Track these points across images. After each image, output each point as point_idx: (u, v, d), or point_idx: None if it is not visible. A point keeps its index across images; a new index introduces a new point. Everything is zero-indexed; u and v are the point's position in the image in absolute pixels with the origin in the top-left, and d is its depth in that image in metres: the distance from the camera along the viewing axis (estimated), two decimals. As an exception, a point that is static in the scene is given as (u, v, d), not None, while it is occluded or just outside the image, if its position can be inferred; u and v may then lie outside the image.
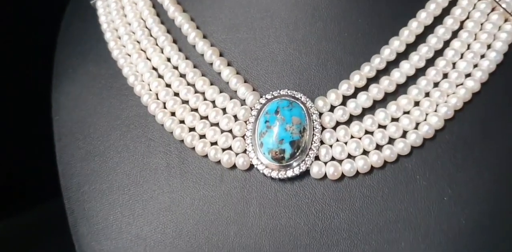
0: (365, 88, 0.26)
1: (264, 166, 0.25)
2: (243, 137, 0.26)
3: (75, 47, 0.32)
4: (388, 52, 0.26)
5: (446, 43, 0.27)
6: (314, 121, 0.26)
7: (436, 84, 0.26)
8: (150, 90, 0.28)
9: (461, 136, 0.26)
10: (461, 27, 0.27)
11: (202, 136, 0.27)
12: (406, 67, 0.26)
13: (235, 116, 0.27)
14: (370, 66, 0.26)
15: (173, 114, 0.28)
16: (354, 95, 0.26)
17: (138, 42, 0.29)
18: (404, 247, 0.24)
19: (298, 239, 0.26)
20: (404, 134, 0.26)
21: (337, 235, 0.25)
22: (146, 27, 0.29)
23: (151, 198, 0.27)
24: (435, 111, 0.26)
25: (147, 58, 0.29)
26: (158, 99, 0.28)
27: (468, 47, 0.27)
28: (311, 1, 0.27)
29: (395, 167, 0.26)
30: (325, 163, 0.26)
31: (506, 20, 0.27)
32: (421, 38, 0.27)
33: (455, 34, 0.27)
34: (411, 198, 0.25)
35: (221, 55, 0.28)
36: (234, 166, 0.26)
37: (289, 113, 0.25)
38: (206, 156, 0.27)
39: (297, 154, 0.25)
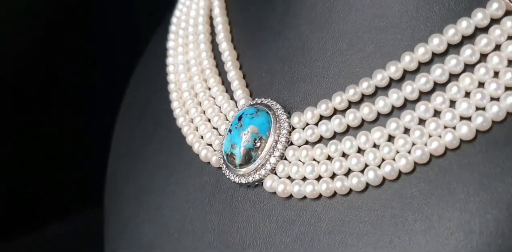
0: (345, 111, 0.24)
1: (225, 167, 0.26)
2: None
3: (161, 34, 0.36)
4: (380, 78, 0.24)
5: (455, 77, 0.23)
6: (280, 135, 0.25)
7: (422, 121, 0.23)
8: (178, 81, 0.31)
9: (427, 186, 0.22)
10: (482, 61, 0.22)
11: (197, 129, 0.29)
12: (394, 97, 0.23)
13: (226, 116, 0.28)
14: (355, 90, 0.24)
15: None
16: (332, 117, 0.25)
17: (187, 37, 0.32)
18: None
19: (236, 250, 0.26)
20: (365, 168, 0.23)
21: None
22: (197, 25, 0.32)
23: (150, 176, 0.31)
24: (409, 152, 0.22)
25: (187, 52, 0.32)
26: (180, 89, 0.31)
27: (481, 85, 0.22)
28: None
29: (344, 202, 0.23)
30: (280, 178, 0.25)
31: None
32: (426, 66, 0.23)
33: (471, 67, 0.22)
34: (347, 241, 0.23)
35: (238, 57, 0.29)
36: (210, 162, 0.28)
37: (249, 121, 0.25)
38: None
39: (250, 162, 0.25)
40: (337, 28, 0.25)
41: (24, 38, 0.48)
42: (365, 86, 0.24)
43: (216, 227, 0.27)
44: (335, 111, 0.25)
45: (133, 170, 0.31)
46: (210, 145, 0.28)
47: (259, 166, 0.25)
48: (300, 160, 0.25)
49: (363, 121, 0.24)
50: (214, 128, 0.28)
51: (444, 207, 0.21)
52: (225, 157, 0.25)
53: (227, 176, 0.26)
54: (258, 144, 0.25)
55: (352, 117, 0.24)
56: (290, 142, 0.25)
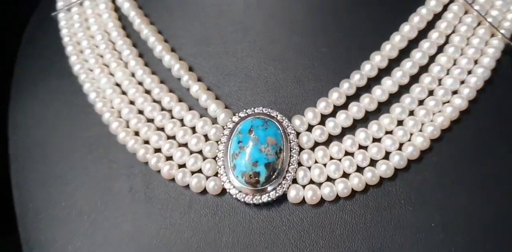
0: (345, 106, 0.24)
1: (237, 191, 0.23)
2: (214, 158, 0.24)
3: (37, 61, 0.29)
4: (369, 68, 0.24)
5: (431, 58, 0.25)
6: (291, 141, 0.23)
7: (421, 102, 0.24)
8: (113, 107, 0.25)
9: (450, 158, 0.23)
10: (446, 42, 0.25)
11: (169, 158, 0.24)
12: (389, 84, 0.24)
13: (205, 136, 0.24)
14: (349, 83, 0.24)
15: (137, 133, 0.25)
16: (333, 114, 0.24)
17: (102, 56, 0.26)
18: None
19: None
20: (387, 156, 0.23)
21: (316, 266, 0.23)
22: (111, 41, 0.27)
23: (113, 226, 0.24)
24: (420, 130, 0.24)
25: (110, 73, 0.26)
26: (120, 117, 0.25)
27: (455, 62, 0.25)
28: (287, 14, 0.25)
29: (378, 191, 0.23)
30: (303, 186, 0.23)
31: (492, 35, 0.25)
32: (404, 54, 0.25)
33: (440, 49, 0.25)
34: (396, 225, 0.23)
35: (190, 69, 0.26)
36: (204, 191, 0.24)
37: (264, 132, 0.23)
38: (174, 179, 0.24)
39: (273, 177, 0.22)
40: (305, 27, 0.25)
41: None
42: (357, 78, 0.24)
43: None
44: (335, 108, 0.24)
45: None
46: (196, 172, 0.24)
47: (282, 179, 0.23)
48: (317, 162, 0.24)
49: (366, 112, 0.24)
50: (192, 152, 0.24)
51: (478, 171, 0.23)
52: (240, 178, 0.22)
53: (241, 200, 0.23)
54: (280, 155, 0.23)
55: (356, 109, 0.24)
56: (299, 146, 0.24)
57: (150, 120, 0.25)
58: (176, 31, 0.26)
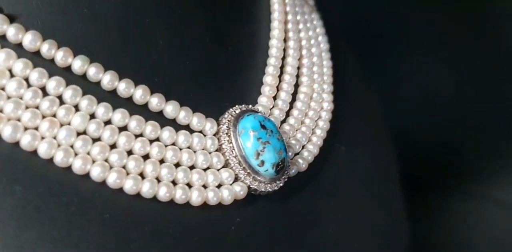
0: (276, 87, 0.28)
1: (263, 184, 0.24)
2: (225, 166, 0.24)
3: None
4: (275, 50, 0.29)
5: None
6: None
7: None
8: (94, 161, 0.21)
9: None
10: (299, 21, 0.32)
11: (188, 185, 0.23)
12: (294, 63, 0.29)
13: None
14: (273, 66, 0.28)
15: (141, 175, 0.22)
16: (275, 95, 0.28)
17: (36, 107, 0.20)
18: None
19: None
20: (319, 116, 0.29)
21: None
22: (30, 86, 0.21)
23: None
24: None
25: (61, 124, 0.21)
26: (111, 167, 0.21)
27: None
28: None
29: (325, 143, 0.29)
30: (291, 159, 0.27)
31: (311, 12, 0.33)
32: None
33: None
34: (345, 164, 0.29)
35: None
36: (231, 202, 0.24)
37: (270, 124, 0.24)
38: (204, 204, 0.23)
39: (287, 161, 0.25)
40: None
41: None
42: (273, 61, 0.29)
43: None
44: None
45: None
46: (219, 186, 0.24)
47: (289, 158, 0.26)
48: (289, 137, 0.27)
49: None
50: (205, 169, 0.24)
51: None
52: (271, 170, 0.24)
53: (268, 190, 0.25)
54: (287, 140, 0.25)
55: (286, 86, 0.28)
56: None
57: (146, 157, 0.22)
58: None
